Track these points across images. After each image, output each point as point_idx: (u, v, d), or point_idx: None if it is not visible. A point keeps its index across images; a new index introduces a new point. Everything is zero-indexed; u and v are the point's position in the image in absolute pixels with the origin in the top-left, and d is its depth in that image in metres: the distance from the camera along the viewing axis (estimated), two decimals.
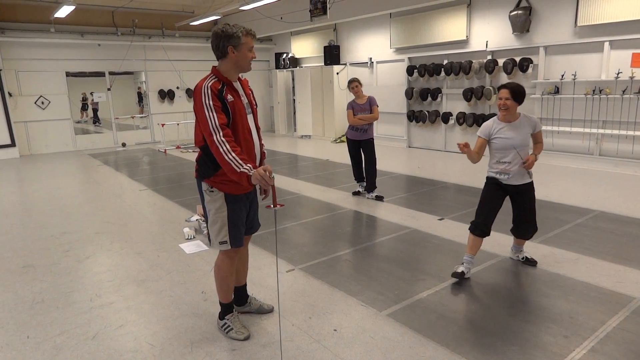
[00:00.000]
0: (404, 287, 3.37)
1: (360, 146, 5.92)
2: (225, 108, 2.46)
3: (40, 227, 5.18)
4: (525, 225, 3.55)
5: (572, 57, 7.34)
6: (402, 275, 3.58)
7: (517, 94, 3.31)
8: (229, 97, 2.49)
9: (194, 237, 4.61)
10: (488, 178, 3.53)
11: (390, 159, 8.85)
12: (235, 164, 2.37)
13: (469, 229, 3.48)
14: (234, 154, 2.38)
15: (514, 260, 3.77)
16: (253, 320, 2.95)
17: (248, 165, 2.39)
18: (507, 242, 4.06)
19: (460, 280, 3.40)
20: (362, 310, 3.04)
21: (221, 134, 2.39)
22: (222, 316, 2.83)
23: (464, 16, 8.61)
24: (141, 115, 13.59)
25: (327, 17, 7.28)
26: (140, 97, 13.96)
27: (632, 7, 6.45)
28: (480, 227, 3.40)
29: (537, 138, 3.52)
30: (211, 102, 2.41)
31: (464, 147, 3.25)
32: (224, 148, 2.38)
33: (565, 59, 7.43)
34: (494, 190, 3.47)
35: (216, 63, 2.59)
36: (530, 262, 3.68)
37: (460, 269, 3.42)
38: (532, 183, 3.49)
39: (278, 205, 2.49)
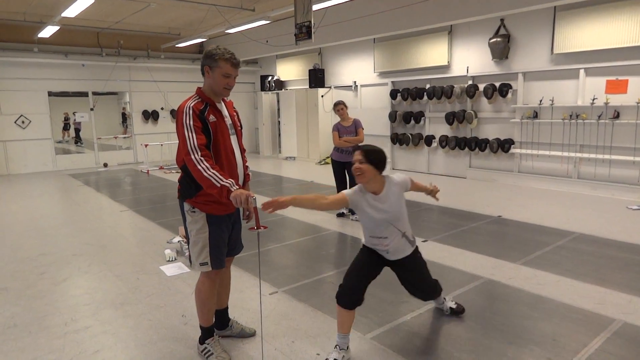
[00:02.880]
0: (388, 309, 3.35)
1: (345, 168, 5.95)
2: (206, 129, 2.45)
3: (16, 249, 5.02)
4: (419, 294, 3.01)
5: (550, 83, 7.57)
6: (386, 297, 3.56)
7: (374, 158, 2.67)
8: (211, 118, 2.49)
9: (175, 259, 4.52)
10: (365, 246, 2.88)
11: None
12: (215, 179, 2.35)
13: (336, 297, 2.67)
14: (213, 170, 2.37)
15: (495, 282, 3.78)
16: (234, 345, 2.88)
17: (230, 180, 2.37)
18: (489, 263, 4.09)
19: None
20: None
21: (199, 154, 2.38)
22: (202, 340, 2.76)
23: (446, 42, 8.86)
24: (124, 136, 13.47)
25: (312, 41, 7.41)
26: (125, 117, 13.86)
27: (605, 37, 6.72)
28: (348, 295, 2.64)
29: (419, 188, 2.99)
30: (191, 122, 2.41)
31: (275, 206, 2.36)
32: (203, 165, 2.37)
33: (542, 84, 7.66)
34: (371, 258, 2.81)
35: (201, 84, 2.61)
36: (456, 312, 3.22)
37: (332, 357, 2.61)
38: (415, 250, 2.90)
39: (262, 228, 2.47)
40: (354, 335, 2.95)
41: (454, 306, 3.24)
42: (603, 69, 6.94)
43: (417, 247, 2.93)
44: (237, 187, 2.38)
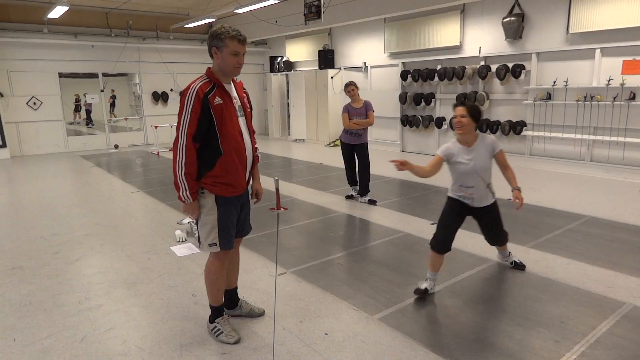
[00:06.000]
0: (395, 291, 3.37)
1: (354, 150, 5.92)
2: (205, 115, 2.43)
3: (30, 229, 5.12)
4: (495, 238, 3.55)
5: (564, 64, 7.41)
6: (394, 279, 3.57)
7: (474, 112, 3.13)
8: (217, 100, 2.47)
9: (185, 239, 4.57)
10: (450, 197, 3.39)
11: (383, 163, 8.81)
12: (180, 175, 2.45)
13: (430, 243, 3.29)
14: (183, 172, 2.44)
15: (503, 265, 3.78)
16: (243, 324, 2.93)
17: (186, 194, 2.46)
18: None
19: (425, 296, 3.21)
20: (354, 314, 3.03)
21: (185, 142, 2.42)
22: (212, 319, 2.81)
23: (458, 22, 8.67)
24: (115, 119, 13.37)
25: (321, 21, 7.31)
26: (114, 102, 13.79)
27: (623, 15, 6.52)
28: (441, 244, 3.23)
29: (501, 162, 3.29)
30: (190, 108, 2.41)
31: (401, 165, 2.88)
32: (183, 154, 2.43)
33: (557, 65, 7.50)
34: (456, 209, 3.33)
35: (211, 65, 2.60)
36: (519, 266, 3.68)
37: (423, 286, 3.23)
38: (495, 201, 3.38)
39: (282, 209, 2.48)
40: (361, 316, 2.99)
41: (517, 260, 3.68)
42: (620, 48, 6.75)
43: (496, 199, 3.38)
44: (191, 200, 2.48)
